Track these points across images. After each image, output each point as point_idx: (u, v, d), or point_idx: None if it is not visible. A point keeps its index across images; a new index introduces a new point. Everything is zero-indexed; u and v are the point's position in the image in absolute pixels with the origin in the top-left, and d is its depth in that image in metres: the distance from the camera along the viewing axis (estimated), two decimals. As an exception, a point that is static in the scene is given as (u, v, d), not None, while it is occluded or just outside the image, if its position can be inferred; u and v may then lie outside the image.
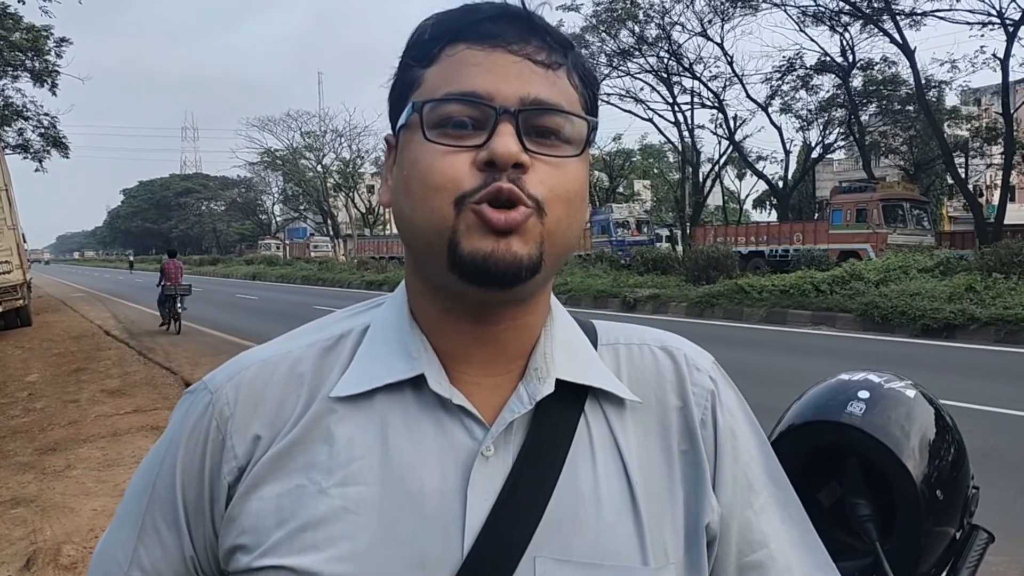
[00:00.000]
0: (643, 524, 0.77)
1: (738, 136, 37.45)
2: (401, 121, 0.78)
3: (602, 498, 0.77)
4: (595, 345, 0.87)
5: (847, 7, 28.81)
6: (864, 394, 1.29)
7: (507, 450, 0.77)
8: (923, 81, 28.09)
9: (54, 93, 23.82)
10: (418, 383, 0.78)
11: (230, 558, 0.76)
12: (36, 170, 25.91)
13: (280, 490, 0.75)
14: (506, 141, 0.72)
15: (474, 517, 0.73)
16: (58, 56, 23.34)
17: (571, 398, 0.80)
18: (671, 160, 55.63)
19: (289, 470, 0.76)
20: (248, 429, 0.78)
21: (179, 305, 16.92)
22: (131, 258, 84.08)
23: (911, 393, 1.32)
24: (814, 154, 38.52)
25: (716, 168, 40.04)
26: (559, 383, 0.79)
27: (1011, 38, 24.83)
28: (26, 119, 24.88)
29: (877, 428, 1.24)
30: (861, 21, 29.44)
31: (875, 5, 27.78)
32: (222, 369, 0.84)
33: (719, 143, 40.42)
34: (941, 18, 26.90)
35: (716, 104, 36.19)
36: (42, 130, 25.75)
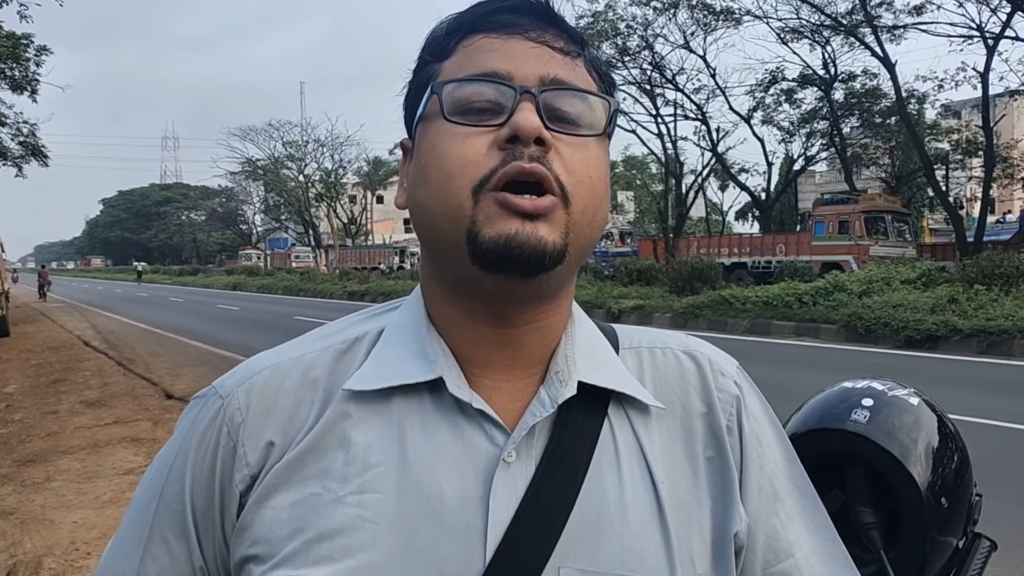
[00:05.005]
0: (670, 532, 0.75)
1: (721, 148, 37.59)
2: (419, 111, 0.77)
3: (627, 505, 0.75)
4: (616, 349, 0.85)
5: (828, 20, 29.03)
6: (868, 402, 1.28)
7: (529, 456, 0.74)
8: (904, 94, 28.31)
9: (35, 100, 23.67)
10: (436, 387, 0.75)
11: (241, 569, 0.74)
12: (16, 176, 25.67)
13: (294, 499, 0.72)
14: (528, 115, 0.71)
15: (496, 526, 0.71)
16: (37, 65, 23.18)
17: (594, 402, 0.78)
18: (654, 171, 55.83)
19: (303, 478, 0.73)
20: (261, 436, 0.76)
21: (46, 288, 40.31)
22: (139, 268, 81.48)
23: (915, 401, 1.31)
24: (796, 166, 38.69)
25: (699, 180, 40.19)
26: (581, 387, 0.77)
27: (991, 52, 25.07)
28: (2, 124, 24.63)
29: (882, 436, 1.23)
30: (842, 34, 29.66)
31: (856, 18, 28.01)
32: (232, 374, 0.81)
33: (702, 155, 40.77)
34: (923, 31, 27.15)
35: (699, 116, 36.34)
36: (21, 138, 25.53)
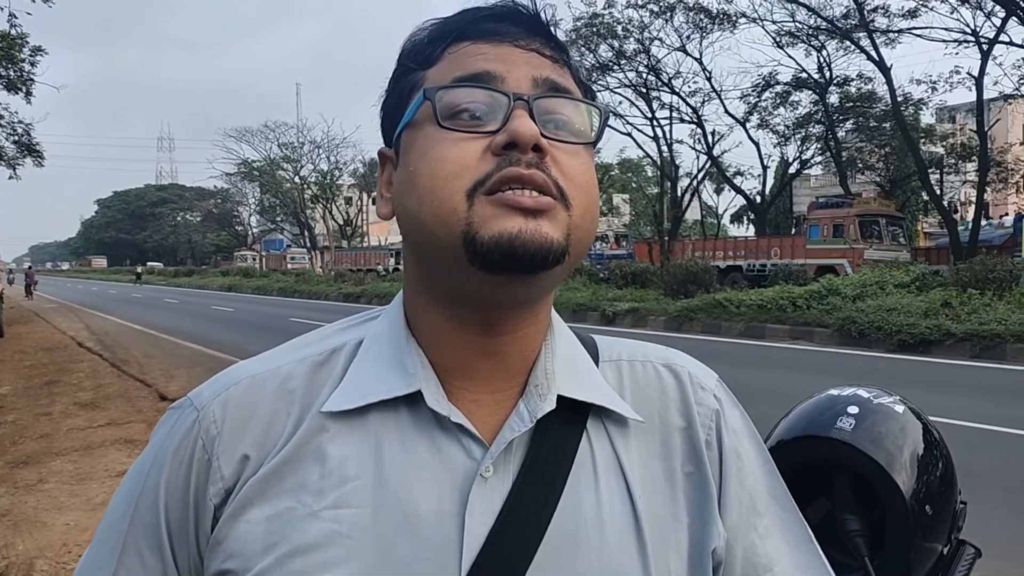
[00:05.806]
0: (647, 547, 0.75)
1: (716, 151, 37.64)
2: (406, 118, 0.75)
3: (605, 520, 0.74)
4: (596, 361, 0.84)
5: (824, 24, 29.06)
6: (853, 409, 1.28)
7: (506, 470, 0.74)
8: (899, 98, 28.34)
9: (29, 101, 23.58)
10: (414, 400, 0.75)
11: None
12: (10, 177, 25.57)
13: (269, 513, 0.72)
14: (525, 122, 0.70)
15: (472, 541, 0.70)
16: (32, 65, 23.09)
17: (573, 416, 0.77)
18: (650, 174, 55.93)
19: (278, 491, 0.72)
20: (236, 449, 0.75)
21: (32, 287, 43.62)
22: (138, 269, 78.94)
23: (900, 408, 1.32)
24: (791, 169, 38.71)
25: (694, 183, 40.22)
26: (560, 400, 0.77)
27: (985, 56, 25.10)
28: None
29: (867, 443, 1.23)
30: (838, 38, 29.70)
31: (851, 22, 28.05)
32: (208, 384, 0.80)
33: (697, 158, 40.57)
34: (918, 35, 27.17)
35: (695, 119, 36.35)
36: (16, 137, 25.43)
